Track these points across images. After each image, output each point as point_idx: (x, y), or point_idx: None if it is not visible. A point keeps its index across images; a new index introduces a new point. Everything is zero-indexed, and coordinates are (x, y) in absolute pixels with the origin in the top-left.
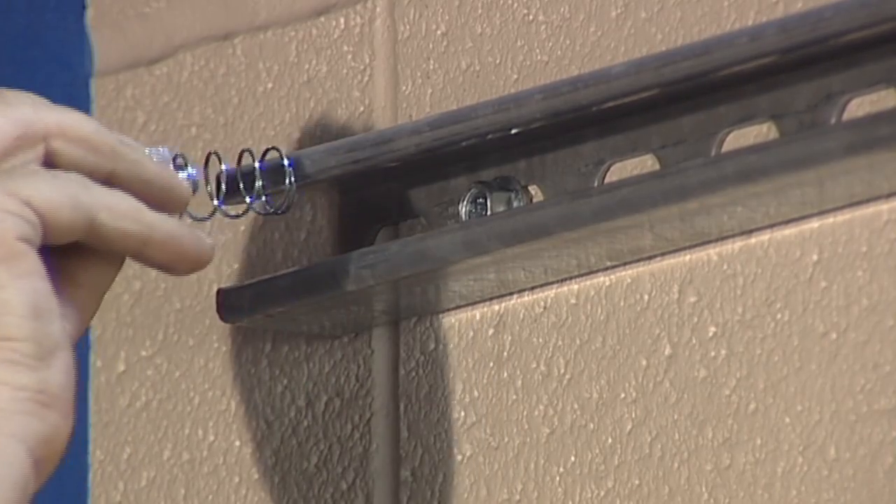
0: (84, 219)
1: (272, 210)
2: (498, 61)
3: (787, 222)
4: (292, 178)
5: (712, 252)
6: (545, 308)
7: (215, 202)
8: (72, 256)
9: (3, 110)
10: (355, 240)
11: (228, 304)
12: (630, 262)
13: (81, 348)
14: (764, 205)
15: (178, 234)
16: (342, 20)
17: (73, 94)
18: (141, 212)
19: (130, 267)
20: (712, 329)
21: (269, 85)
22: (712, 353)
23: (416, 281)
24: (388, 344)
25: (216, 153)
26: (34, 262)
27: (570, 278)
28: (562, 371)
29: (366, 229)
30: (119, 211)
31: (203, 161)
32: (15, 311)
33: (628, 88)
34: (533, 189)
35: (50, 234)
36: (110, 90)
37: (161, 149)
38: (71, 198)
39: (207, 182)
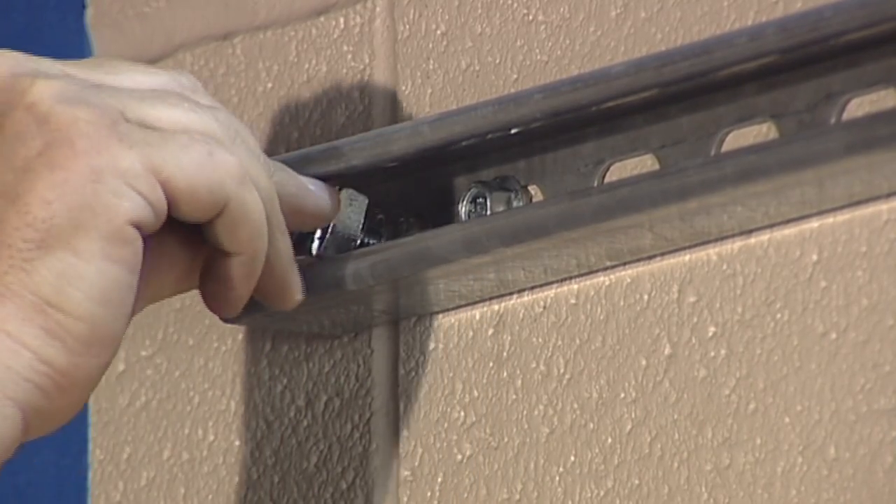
0: (215, 210)
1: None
2: (498, 61)
3: (787, 222)
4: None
5: (712, 252)
6: (545, 308)
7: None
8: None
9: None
10: None
11: None
12: (630, 262)
13: None
14: (764, 205)
15: (290, 267)
16: (342, 20)
17: None
18: (257, 237)
19: None
20: (712, 329)
21: (269, 85)
22: (712, 353)
23: (416, 281)
24: (388, 344)
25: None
26: (133, 253)
27: (570, 278)
28: (561, 371)
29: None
30: (252, 215)
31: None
32: (84, 288)
33: (628, 88)
34: (533, 189)
35: (175, 212)
36: None
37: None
38: (214, 184)
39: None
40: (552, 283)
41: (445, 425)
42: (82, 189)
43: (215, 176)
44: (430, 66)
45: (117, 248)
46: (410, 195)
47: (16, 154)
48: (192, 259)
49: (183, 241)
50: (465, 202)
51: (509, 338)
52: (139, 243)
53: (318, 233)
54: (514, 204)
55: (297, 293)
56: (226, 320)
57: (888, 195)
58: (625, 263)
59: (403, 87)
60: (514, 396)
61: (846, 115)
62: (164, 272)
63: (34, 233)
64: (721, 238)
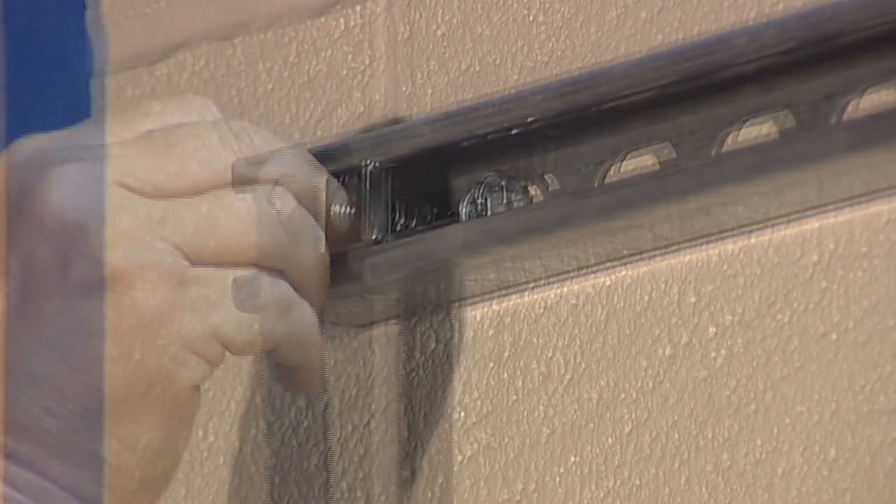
0: (262, 348)
1: None
2: (498, 61)
3: (788, 223)
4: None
5: (712, 252)
6: (545, 308)
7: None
8: None
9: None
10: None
11: None
12: (630, 263)
13: None
14: (764, 205)
15: (322, 365)
16: (342, 20)
17: (73, 94)
18: (314, 346)
19: None
20: (712, 329)
21: (269, 85)
22: (712, 354)
23: (416, 281)
24: (388, 345)
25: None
26: (192, 409)
27: (571, 279)
28: (562, 371)
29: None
30: (299, 343)
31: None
32: (140, 451)
33: (628, 89)
34: (533, 189)
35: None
36: (110, 90)
37: None
38: (267, 338)
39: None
40: (552, 283)
41: (446, 426)
42: (146, 362)
43: (269, 329)
44: (431, 67)
45: (176, 410)
46: (410, 196)
47: (77, 308)
48: None
49: None
50: (465, 202)
51: (509, 338)
52: (198, 399)
53: None
54: (515, 204)
55: (320, 389)
56: None
57: (889, 195)
58: (625, 264)
59: (404, 88)
60: (514, 397)
61: (847, 116)
62: None
63: (96, 402)
64: (721, 238)
